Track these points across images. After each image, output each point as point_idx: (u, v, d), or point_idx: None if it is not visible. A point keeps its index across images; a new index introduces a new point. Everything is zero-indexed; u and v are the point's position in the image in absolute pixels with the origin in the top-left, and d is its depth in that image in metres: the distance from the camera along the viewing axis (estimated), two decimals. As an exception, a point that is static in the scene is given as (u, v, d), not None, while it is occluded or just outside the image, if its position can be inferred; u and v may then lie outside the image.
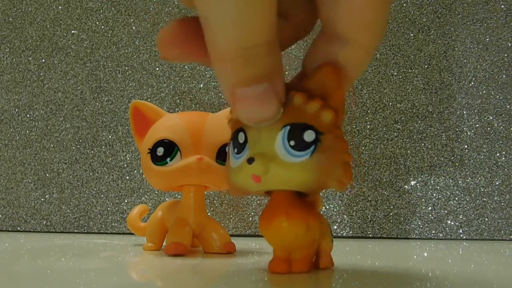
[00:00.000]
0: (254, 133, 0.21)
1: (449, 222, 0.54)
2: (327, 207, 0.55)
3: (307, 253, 0.24)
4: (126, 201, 0.57)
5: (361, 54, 0.23)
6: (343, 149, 0.22)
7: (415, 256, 0.39)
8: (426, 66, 0.56)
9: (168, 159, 0.35)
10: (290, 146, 0.21)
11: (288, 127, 0.21)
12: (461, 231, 0.54)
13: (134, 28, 0.60)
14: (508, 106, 0.56)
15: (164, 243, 0.38)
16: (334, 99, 0.22)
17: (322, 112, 0.21)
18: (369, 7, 0.20)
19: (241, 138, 0.22)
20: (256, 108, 0.20)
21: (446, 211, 0.54)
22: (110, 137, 0.59)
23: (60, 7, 0.61)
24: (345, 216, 0.55)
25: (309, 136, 0.21)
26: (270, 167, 0.21)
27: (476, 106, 0.56)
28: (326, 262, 0.26)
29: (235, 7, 0.17)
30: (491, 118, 0.56)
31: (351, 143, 0.56)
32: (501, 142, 0.55)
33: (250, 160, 0.21)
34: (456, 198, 0.55)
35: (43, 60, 0.61)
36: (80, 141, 0.59)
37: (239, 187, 0.22)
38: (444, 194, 0.55)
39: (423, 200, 0.55)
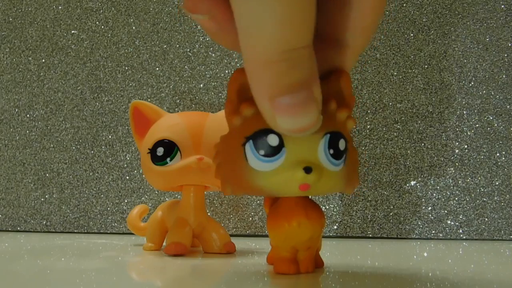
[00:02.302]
0: (293, 139, 0.20)
1: (449, 222, 0.54)
2: (327, 207, 0.55)
3: (312, 253, 0.24)
4: (126, 201, 0.57)
5: (355, 58, 0.22)
6: (356, 156, 0.23)
7: (415, 256, 0.39)
8: (426, 66, 0.56)
9: (168, 159, 0.35)
10: (331, 154, 0.21)
11: (329, 136, 0.21)
12: (461, 231, 0.54)
13: (134, 28, 0.60)
14: (508, 106, 0.56)
15: (164, 243, 0.38)
16: (351, 107, 0.22)
17: (348, 120, 0.22)
18: (373, 13, 0.20)
19: (273, 140, 0.20)
20: (300, 117, 0.18)
21: (446, 211, 0.54)
22: (110, 137, 0.59)
23: (60, 7, 0.61)
24: (345, 216, 0.55)
25: (342, 144, 0.21)
26: (321, 178, 0.21)
27: (476, 106, 0.56)
28: (321, 261, 0.27)
29: (282, 5, 0.16)
30: (491, 118, 0.56)
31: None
32: (501, 142, 0.55)
33: (308, 170, 0.20)
34: (456, 198, 0.55)
35: (43, 60, 0.61)
36: (80, 141, 0.59)
37: (267, 190, 0.21)
38: (444, 194, 0.55)
39: (423, 200, 0.55)
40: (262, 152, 0.20)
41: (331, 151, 0.21)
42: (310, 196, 0.24)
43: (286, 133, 0.20)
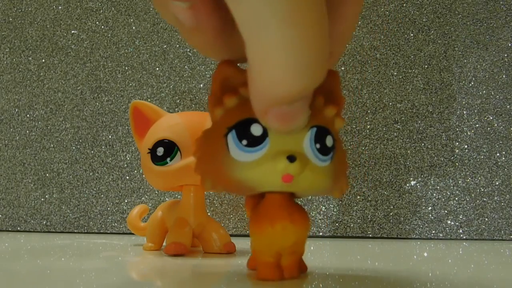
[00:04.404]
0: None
1: (449, 222, 0.54)
2: (327, 207, 0.55)
3: (297, 258, 0.23)
4: (126, 201, 0.57)
5: (334, 63, 0.22)
6: (345, 158, 0.22)
7: (415, 256, 0.39)
8: (426, 66, 0.56)
9: (168, 159, 0.35)
10: (317, 149, 0.20)
11: (315, 129, 0.20)
12: (461, 231, 0.54)
13: (134, 28, 0.60)
14: (508, 106, 0.56)
15: (164, 243, 0.38)
16: (340, 106, 0.21)
17: (336, 118, 0.21)
18: (355, 23, 0.20)
19: (256, 130, 0.20)
20: (291, 123, 0.19)
21: (446, 211, 0.54)
22: (110, 137, 0.59)
23: (60, 7, 0.61)
24: (345, 216, 0.55)
25: (329, 141, 0.21)
26: (305, 169, 0.20)
27: (476, 106, 0.56)
28: (304, 265, 0.25)
29: (306, 51, 0.16)
30: (491, 118, 0.56)
31: (351, 143, 0.56)
32: (501, 142, 0.55)
33: (292, 158, 0.19)
34: (456, 198, 0.55)
35: (43, 60, 0.61)
36: (80, 141, 0.59)
37: (248, 183, 0.20)
38: (444, 194, 0.55)
39: (423, 200, 0.55)
40: (244, 142, 0.20)
41: (318, 146, 0.20)
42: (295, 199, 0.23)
43: (274, 132, 0.20)
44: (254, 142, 0.20)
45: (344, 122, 0.21)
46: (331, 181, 0.21)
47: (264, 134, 0.20)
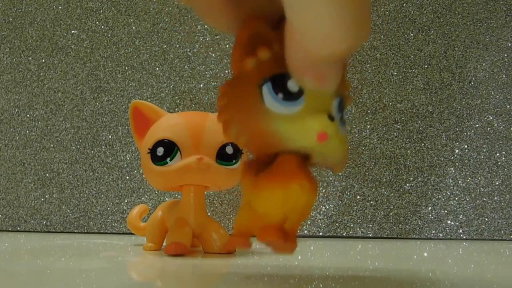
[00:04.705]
0: (313, 90, 0.20)
1: (449, 222, 0.54)
2: (327, 207, 0.55)
3: (300, 223, 0.22)
4: (126, 201, 0.57)
5: None
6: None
7: (415, 256, 0.39)
8: (426, 66, 0.56)
9: (168, 159, 0.35)
10: (340, 117, 0.20)
11: (339, 98, 0.20)
12: (461, 231, 0.54)
13: (134, 28, 0.60)
14: (508, 106, 0.56)
15: (164, 243, 0.38)
16: (347, 89, 0.22)
17: (349, 96, 0.21)
18: None
19: (293, 86, 0.19)
20: (328, 83, 0.18)
21: (446, 211, 0.54)
22: (110, 137, 0.59)
23: (60, 7, 0.61)
24: (345, 216, 0.55)
25: (345, 114, 0.21)
26: (338, 133, 0.20)
27: (476, 106, 0.56)
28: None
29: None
30: (491, 118, 0.56)
31: (351, 143, 0.56)
32: (501, 142, 0.55)
33: (332, 118, 0.19)
34: (456, 198, 0.55)
35: (43, 60, 0.61)
36: (80, 141, 0.59)
37: (281, 136, 0.20)
38: (444, 194, 0.55)
39: (423, 200, 0.55)
40: (281, 95, 0.19)
41: (340, 115, 0.20)
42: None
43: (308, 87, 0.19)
44: (291, 97, 0.19)
45: (352, 102, 0.22)
46: (344, 153, 0.21)
47: (301, 91, 0.19)
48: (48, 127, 0.60)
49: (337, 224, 0.55)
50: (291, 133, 0.19)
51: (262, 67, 0.20)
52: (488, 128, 0.55)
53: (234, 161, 0.35)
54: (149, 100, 0.58)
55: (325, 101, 0.20)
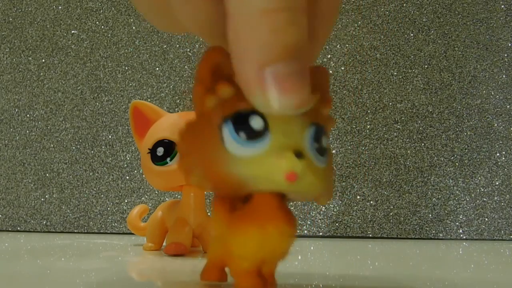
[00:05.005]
0: (280, 123, 0.18)
1: (449, 222, 0.54)
2: (327, 207, 0.55)
3: (275, 267, 0.21)
4: (126, 201, 0.57)
5: (318, 49, 0.20)
6: (332, 162, 0.20)
7: (415, 256, 0.39)
8: (426, 66, 0.56)
9: (168, 159, 0.35)
10: (315, 148, 0.18)
11: (314, 127, 0.18)
12: (461, 231, 0.54)
13: (134, 28, 0.60)
14: (508, 106, 0.56)
15: (164, 243, 0.38)
16: (329, 106, 0.19)
17: (329, 119, 0.19)
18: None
19: (256, 123, 0.18)
20: (292, 91, 0.16)
21: (446, 211, 0.54)
22: (110, 137, 0.59)
23: (60, 7, 0.61)
24: (345, 216, 0.55)
25: (325, 141, 0.19)
26: (309, 169, 0.18)
27: (476, 106, 0.56)
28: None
29: None
30: (491, 118, 0.56)
31: (351, 143, 0.56)
32: (501, 142, 0.55)
33: (299, 155, 0.17)
34: (456, 198, 0.55)
35: (43, 60, 0.61)
36: (80, 141, 0.59)
37: (247, 180, 0.18)
38: (444, 194, 0.55)
39: (423, 200, 0.55)
40: (243, 135, 0.18)
41: (316, 145, 0.18)
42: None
43: (271, 110, 0.17)
44: (254, 135, 0.18)
45: (334, 123, 0.19)
46: (325, 185, 0.19)
47: (265, 128, 0.18)
48: (48, 127, 0.60)
49: (337, 224, 0.55)
50: (257, 176, 0.18)
51: (222, 105, 0.18)
52: (488, 128, 0.55)
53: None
54: (149, 100, 0.58)
55: (294, 134, 0.18)
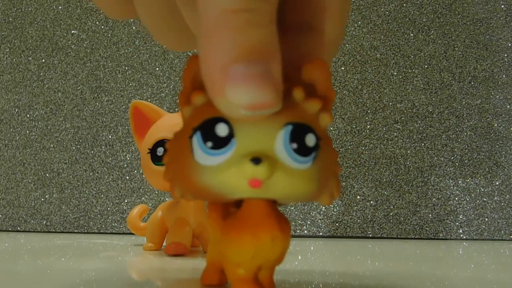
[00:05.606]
0: (246, 128, 0.17)
1: (449, 222, 0.54)
2: (327, 207, 0.55)
3: (273, 272, 0.21)
4: (126, 201, 0.57)
5: (331, 46, 0.20)
6: (335, 159, 0.19)
7: (415, 256, 0.39)
8: (426, 66, 0.56)
9: (168, 159, 0.35)
10: (293, 149, 0.18)
11: (291, 127, 0.18)
12: (461, 231, 0.54)
13: (134, 28, 0.60)
14: (508, 106, 0.56)
15: (164, 243, 0.38)
16: (328, 101, 0.19)
17: (321, 114, 0.18)
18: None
19: (221, 130, 0.17)
20: (254, 90, 0.15)
21: (446, 211, 0.54)
22: (110, 137, 0.59)
23: (60, 7, 0.61)
24: (345, 216, 0.55)
25: (310, 140, 0.18)
26: (275, 172, 0.17)
27: (476, 106, 0.56)
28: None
29: None
30: (491, 118, 0.56)
31: (351, 143, 0.56)
32: (501, 142, 0.55)
33: (256, 161, 0.17)
34: (456, 198, 0.55)
35: (43, 60, 0.61)
36: (80, 141, 0.59)
37: (215, 190, 0.18)
38: (444, 194, 0.55)
39: (423, 200, 0.55)
40: (209, 144, 0.17)
41: (294, 145, 0.18)
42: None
43: (234, 114, 0.17)
44: (219, 143, 0.17)
45: (332, 119, 0.18)
46: (315, 186, 0.18)
47: (230, 135, 0.17)
48: (48, 127, 0.60)
49: (337, 224, 0.55)
50: (223, 186, 0.17)
51: (195, 115, 0.18)
52: (488, 128, 0.55)
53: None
54: (149, 100, 0.58)
55: (261, 138, 0.17)
